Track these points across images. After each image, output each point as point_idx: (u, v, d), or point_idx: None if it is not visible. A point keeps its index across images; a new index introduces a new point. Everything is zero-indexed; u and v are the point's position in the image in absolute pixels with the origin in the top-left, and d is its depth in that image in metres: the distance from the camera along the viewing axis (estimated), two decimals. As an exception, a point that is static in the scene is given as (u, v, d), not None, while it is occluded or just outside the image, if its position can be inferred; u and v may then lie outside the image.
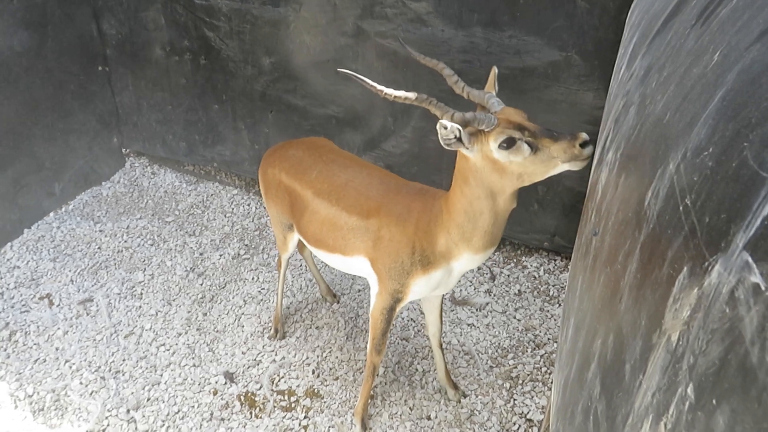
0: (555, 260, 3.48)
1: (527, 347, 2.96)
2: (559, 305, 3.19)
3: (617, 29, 2.73)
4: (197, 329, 3.04)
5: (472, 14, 2.96)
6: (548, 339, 3.00)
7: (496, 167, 1.76)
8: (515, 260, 3.50)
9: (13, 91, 3.46)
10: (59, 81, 3.72)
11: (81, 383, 2.75)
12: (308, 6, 3.29)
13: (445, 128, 1.69)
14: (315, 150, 2.53)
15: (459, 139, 1.72)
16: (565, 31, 2.84)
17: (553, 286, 3.31)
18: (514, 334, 3.03)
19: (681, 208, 0.82)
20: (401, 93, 1.77)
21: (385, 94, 1.76)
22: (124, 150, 4.37)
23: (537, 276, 3.39)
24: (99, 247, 3.58)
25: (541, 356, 2.91)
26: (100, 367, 2.83)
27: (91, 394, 2.71)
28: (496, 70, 1.91)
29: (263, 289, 3.30)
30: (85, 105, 3.94)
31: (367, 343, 2.96)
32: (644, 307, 0.88)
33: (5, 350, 2.90)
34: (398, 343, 2.97)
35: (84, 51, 3.85)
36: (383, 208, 2.20)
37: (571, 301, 1.53)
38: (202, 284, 3.33)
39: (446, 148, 1.75)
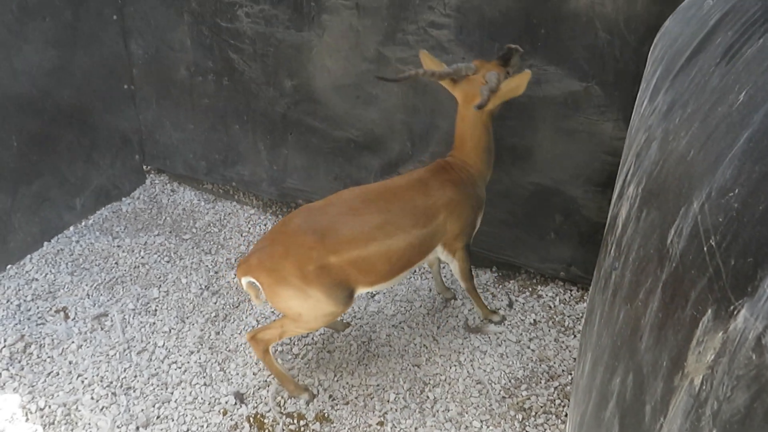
0: (571, 290, 3.45)
1: (541, 378, 2.92)
2: (575, 336, 3.15)
3: (638, 61, 2.74)
4: (209, 348, 3.04)
5: (492, 43, 2.99)
6: (563, 371, 2.96)
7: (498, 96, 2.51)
8: (530, 289, 3.47)
9: (40, 107, 3.53)
10: (86, 98, 3.80)
11: (92, 398, 2.75)
12: (331, 31, 3.34)
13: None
14: (312, 221, 2.49)
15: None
16: (586, 62, 2.85)
17: (568, 316, 3.27)
18: (527, 365, 2.99)
19: (705, 248, 0.81)
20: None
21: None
22: (145, 167, 4.43)
23: (552, 306, 3.35)
24: (116, 263, 3.62)
25: (555, 388, 2.87)
26: (111, 382, 2.84)
27: (101, 409, 2.71)
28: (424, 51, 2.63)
29: (275, 312, 3.30)
30: (110, 122, 4.01)
31: (378, 367, 2.93)
32: (666, 347, 0.87)
33: (19, 362, 2.92)
34: (410, 369, 2.95)
35: (111, 70, 3.93)
36: (434, 208, 2.58)
37: (589, 335, 1.51)
38: (216, 303, 3.33)
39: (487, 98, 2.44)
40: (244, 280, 2.48)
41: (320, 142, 3.70)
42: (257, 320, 3.21)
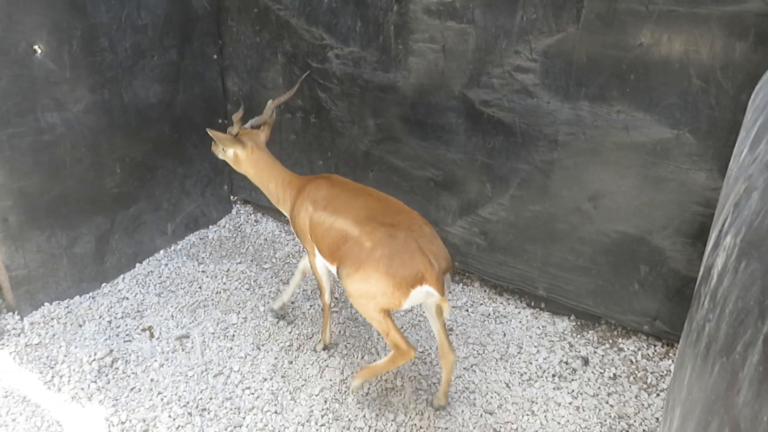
0: (655, 345, 3.27)
1: (620, 436, 2.76)
2: (658, 395, 2.97)
3: (735, 110, 2.64)
4: (282, 376, 3.10)
5: (579, 88, 2.97)
6: (643, 430, 2.79)
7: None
8: (611, 341, 3.33)
9: (144, 137, 3.81)
10: (183, 131, 4.07)
11: (170, 416, 2.85)
12: (417, 73, 3.43)
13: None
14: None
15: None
16: (678, 109, 2.77)
17: (651, 373, 3.10)
18: (605, 420, 2.84)
19: (815, 300, 0.77)
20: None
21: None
22: (232, 197, 4.64)
23: (634, 360, 3.19)
24: (200, 287, 3.78)
25: (635, 448, 2.71)
26: (188, 402, 2.94)
27: (177, 428, 2.80)
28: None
29: (348, 343, 3.33)
30: (203, 154, 4.26)
31: (447, 410, 2.88)
32: (767, 402, 0.82)
33: (106, 376, 3.08)
34: (481, 415, 2.87)
35: (208, 105, 4.20)
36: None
37: (678, 390, 1.43)
38: (290, 332, 3.40)
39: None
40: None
41: (400, 180, 3.77)
42: (329, 353, 3.25)
